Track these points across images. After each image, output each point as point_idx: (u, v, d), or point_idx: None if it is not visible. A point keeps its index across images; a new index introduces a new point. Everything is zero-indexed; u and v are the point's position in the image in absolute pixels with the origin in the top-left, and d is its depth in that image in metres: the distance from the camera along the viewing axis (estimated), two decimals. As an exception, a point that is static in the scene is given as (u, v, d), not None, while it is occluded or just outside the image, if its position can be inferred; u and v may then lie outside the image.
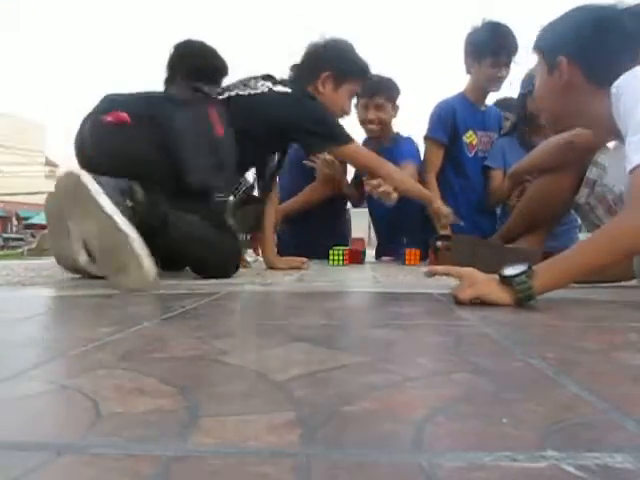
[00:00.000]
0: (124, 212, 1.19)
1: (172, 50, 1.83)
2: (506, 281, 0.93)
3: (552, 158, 1.72)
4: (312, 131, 1.65)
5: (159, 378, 0.47)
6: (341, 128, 1.74)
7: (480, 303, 0.94)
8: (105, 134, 1.39)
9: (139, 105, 1.44)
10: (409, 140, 2.57)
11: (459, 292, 0.96)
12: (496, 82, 2.38)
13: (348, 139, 1.72)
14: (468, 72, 2.44)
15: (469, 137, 2.45)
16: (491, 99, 2.56)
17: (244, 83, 1.66)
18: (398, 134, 2.56)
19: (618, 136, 1.13)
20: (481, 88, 2.44)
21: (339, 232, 2.68)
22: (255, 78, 1.69)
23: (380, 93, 2.36)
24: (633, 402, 0.41)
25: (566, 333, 0.72)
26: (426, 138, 2.47)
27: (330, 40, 1.87)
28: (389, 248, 2.61)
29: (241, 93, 1.62)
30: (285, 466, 0.29)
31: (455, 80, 2.62)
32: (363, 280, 1.53)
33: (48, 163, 30.10)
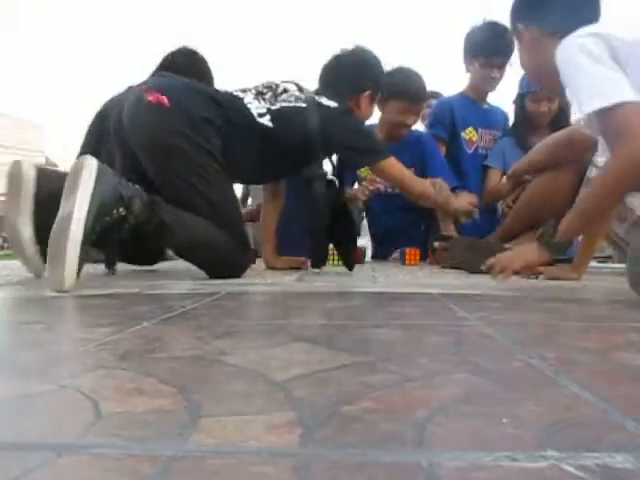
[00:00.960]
0: (102, 218, 1.21)
1: (166, 55, 1.99)
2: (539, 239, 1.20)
3: (550, 157, 1.73)
4: (355, 148, 1.69)
5: (159, 378, 0.47)
6: (380, 143, 1.81)
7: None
8: (142, 110, 1.45)
9: (183, 95, 1.49)
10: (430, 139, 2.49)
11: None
12: (489, 82, 2.39)
13: (387, 154, 1.75)
14: (467, 71, 2.45)
15: (469, 133, 2.46)
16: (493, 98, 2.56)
17: (290, 94, 1.67)
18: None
19: None
20: (478, 87, 2.45)
21: None
22: (300, 89, 1.71)
23: (425, 99, 2.34)
24: (633, 402, 0.41)
25: (566, 333, 0.72)
26: None
27: (364, 56, 1.89)
28: (383, 254, 2.60)
29: (287, 105, 1.63)
30: (285, 466, 0.29)
31: (461, 79, 2.61)
32: (363, 280, 1.53)
33: (48, 163, 30.12)
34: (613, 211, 1.46)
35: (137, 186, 1.33)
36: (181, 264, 1.90)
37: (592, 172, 1.58)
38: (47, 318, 0.91)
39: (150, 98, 1.43)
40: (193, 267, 1.54)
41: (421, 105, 2.36)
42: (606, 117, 1.05)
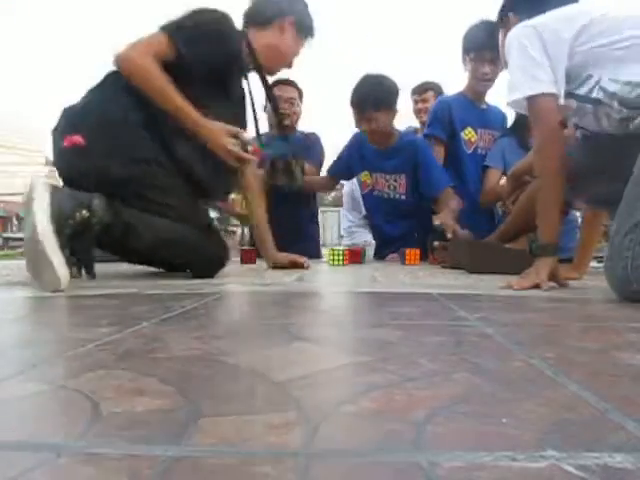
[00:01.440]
0: (69, 222, 1.23)
1: None
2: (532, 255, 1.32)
3: None
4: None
5: (159, 378, 0.47)
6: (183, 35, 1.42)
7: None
8: (68, 158, 1.41)
9: (90, 121, 1.40)
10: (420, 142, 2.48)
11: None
12: (481, 77, 2.39)
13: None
14: (465, 70, 2.46)
15: (468, 134, 2.46)
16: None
17: None
18: (401, 133, 2.49)
19: None
20: (473, 85, 2.46)
21: (310, 235, 2.71)
22: None
23: (368, 108, 2.29)
24: (633, 402, 0.41)
25: (566, 333, 0.72)
26: (425, 136, 2.50)
27: None
28: (382, 255, 2.62)
29: None
30: (285, 466, 0.29)
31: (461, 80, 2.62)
32: (363, 280, 1.53)
33: (48, 163, 30.18)
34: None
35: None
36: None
37: None
38: (46, 318, 0.91)
39: (65, 144, 1.38)
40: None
41: (367, 115, 2.30)
42: (529, 103, 1.27)
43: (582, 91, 1.23)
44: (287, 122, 2.65)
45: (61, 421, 0.37)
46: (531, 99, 1.26)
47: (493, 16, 2.23)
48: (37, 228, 1.15)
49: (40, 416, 0.38)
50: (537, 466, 0.29)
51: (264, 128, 2.71)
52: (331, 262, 2.09)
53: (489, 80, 2.41)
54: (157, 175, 1.42)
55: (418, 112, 3.18)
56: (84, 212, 1.27)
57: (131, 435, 0.34)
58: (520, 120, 2.35)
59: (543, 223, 1.27)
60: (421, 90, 3.17)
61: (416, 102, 3.19)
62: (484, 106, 2.53)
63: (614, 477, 0.28)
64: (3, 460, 0.30)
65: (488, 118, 2.53)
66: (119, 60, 1.39)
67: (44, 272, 1.16)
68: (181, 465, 0.29)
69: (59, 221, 1.20)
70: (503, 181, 2.34)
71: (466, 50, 2.38)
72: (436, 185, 2.35)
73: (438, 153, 2.45)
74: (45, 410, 0.40)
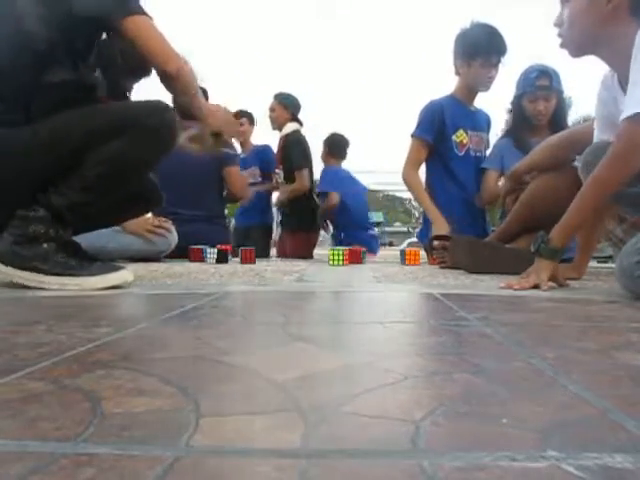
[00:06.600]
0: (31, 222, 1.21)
1: None
2: (535, 254, 1.26)
3: (552, 157, 1.73)
4: None
5: (159, 378, 0.47)
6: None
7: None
8: None
9: None
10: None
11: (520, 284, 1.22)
12: (486, 82, 2.40)
13: (139, 9, 1.26)
14: (457, 73, 2.46)
15: (459, 136, 2.47)
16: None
17: None
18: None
19: None
20: (470, 89, 2.46)
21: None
22: None
23: None
24: (633, 402, 0.41)
25: (566, 333, 0.72)
26: (412, 136, 2.49)
27: None
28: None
29: None
30: (285, 466, 0.29)
31: (446, 81, 2.64)
32: (363, 280, 1.53)
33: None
34: (610, 212, 1.46)
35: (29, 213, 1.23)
36: (178, 266, 1.89)
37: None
38: (47, 318, 0.91)
39: None
40: (192, 267, 1.54)
41: None
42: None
43: None
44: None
45: (61, 421, 0.37)
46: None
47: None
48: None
49: (40, 416, 0.38)
50: (537, 466, 0.29)
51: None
52: (331, 262, 2.09)
53: (492, 82, 2.42)
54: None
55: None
56: (50, 231, 1.22)
57: (131, 435, 0.34)
58: (518, 122, 2.36)
59: (568, 226, 1.22)
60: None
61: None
62: (473, 108, 2.54)
63: (614, 477, 0.28)
64: (4, 460, 0.30)
65: (477, 120, 2.55)
66: (181, 73, 1.27)
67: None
68: (181, 465, 0.29)
69: (23, 258, 1.21)
70: (501, 182, 2.35)
71: (470, 55, 2.37)
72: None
73: (421, 155, 2.46)
74: (45, 410, 0.40)
